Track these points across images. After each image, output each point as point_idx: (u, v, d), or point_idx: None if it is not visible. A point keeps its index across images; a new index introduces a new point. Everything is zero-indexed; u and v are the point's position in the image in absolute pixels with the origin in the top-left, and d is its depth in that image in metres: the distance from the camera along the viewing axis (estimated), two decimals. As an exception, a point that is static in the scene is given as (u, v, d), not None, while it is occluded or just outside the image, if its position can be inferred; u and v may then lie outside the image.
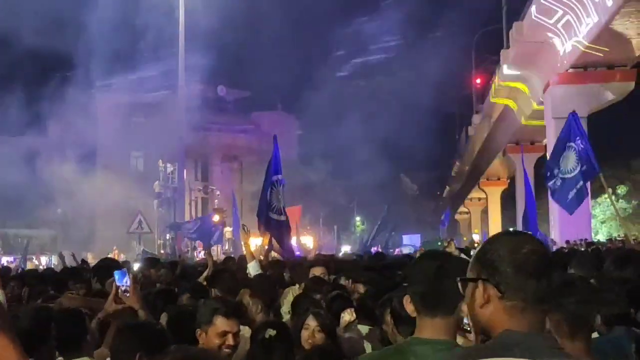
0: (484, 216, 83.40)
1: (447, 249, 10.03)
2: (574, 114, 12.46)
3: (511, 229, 21.32)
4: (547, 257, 2.33)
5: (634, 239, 24.06)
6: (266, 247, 12.53)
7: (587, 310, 3.38)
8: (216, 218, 35.09)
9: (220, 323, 4.50)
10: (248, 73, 47.45)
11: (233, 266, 11.39)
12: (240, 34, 46.11)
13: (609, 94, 38.01)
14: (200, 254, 31.49)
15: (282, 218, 12.73)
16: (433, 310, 3.03)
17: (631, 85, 37.66)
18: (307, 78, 41.05)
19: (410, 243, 38.85)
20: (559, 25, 35.89)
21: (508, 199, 65.54)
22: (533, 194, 16.29)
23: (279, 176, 13.06)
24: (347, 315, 6.01)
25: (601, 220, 49.67)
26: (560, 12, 34.62)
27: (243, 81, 55.31)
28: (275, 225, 12.63)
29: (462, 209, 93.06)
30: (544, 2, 34.64)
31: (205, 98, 53.74)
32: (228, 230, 36.14)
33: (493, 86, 48.27)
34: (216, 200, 51.65)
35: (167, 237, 38.91)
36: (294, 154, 72.37)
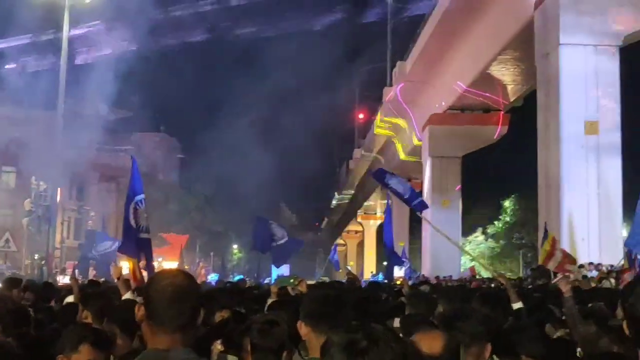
0: (359, 249, 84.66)
1: (299, 287, 10.09)
2: None
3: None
4: (183, 290, 2.72)
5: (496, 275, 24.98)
6: (138, 270, 12.34)
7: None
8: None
9: (86, 352, 4.34)
10: (132, 93, 46.54)
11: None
12: (126, 52, 45.24)
13: (484, 136, 39.53)
14: (65, 278, 30.42)
15: (149, 236, 12.75)
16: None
17: (504, 128, 39.35)
18: (192, 102, 40.76)
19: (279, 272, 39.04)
20: (440, 68, 37.17)
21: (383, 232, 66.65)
22: (391, 228, 16.57)
23: (142, 196, 13.04)
24: (218, 346, 5.97)
25: (470, 258, 51.29)
26: (441, 56, 35.83)
27: (126, 101, 54.27)
28: (147, 244, 12.65)
29: (339, 240, 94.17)
30: (424, 48, 35.82)
31: (86, 116, 52.36)
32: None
33: (376, 121, 49.34)
34: (90, 222, 50.21)
35: (36, 257, 37.49)
36: (175, 177, 71.45)
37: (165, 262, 29.83)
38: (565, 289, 6.39)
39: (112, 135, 57.57)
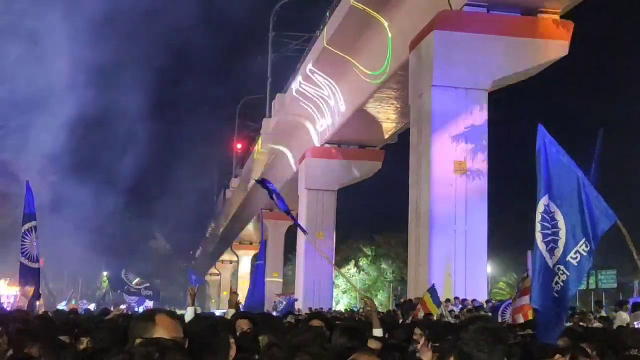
0: (233, 278, 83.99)
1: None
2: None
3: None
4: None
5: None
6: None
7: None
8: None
9: None
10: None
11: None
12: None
13: (359, 171, 40.27)
14: None
15: (35, 265, 12.44)
16: None
17: (379, 164, 40.27)
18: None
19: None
20: (318, 103, 37.74)
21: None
22: (263, 262, 16.44)
23: (31, 223, 12.78)
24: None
25: (343, 290, 51.92)
26: (320, 91, 36.41)
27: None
28: (26, 272, 12.45)
29: (212, 270, 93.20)
30: (303, 82, 36.31)
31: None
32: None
33: (257, 147, 49.36)
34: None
35: None
36: (46, 200, 68.85)
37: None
38: (427, 358, 5.98)
39: None
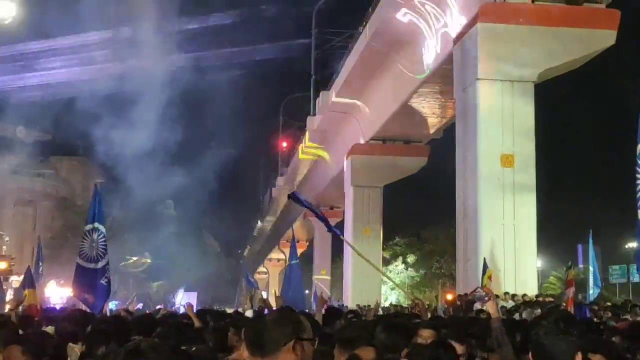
0: (281, 277, 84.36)
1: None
2: None
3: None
4: None
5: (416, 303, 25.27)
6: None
7: None
8: (2, 265, 33.12)
9: None
10: (51, 115, 45.48)
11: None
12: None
13: (404, 167, 40.13)
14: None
15: (90, 266, 12.72)
16: None
17: (424, 160, 40.07)
18: (112, 126, 40.06)
19: (187, 300, 38.66)
20: (362, 99, 37.69)
21: (306, 260, 66.78)
22: (297, 260, 16.43)
23: (94, 224, 13.20)
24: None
25: (391, 287, 51.75)
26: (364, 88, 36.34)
27: (45, 123, 53.10)
28: (80, 272, 12.75)
29: (261, 268, 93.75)
30: (350, 75, 36.28)
31: (1, 138, 51.14)
32: (15, 279, 34.14)
33: (301, 146, 49.55)
34: (4, 247, 48.79)
35: None
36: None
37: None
38: (493, 310, 6.49)
39: (29, 157, 56.18)
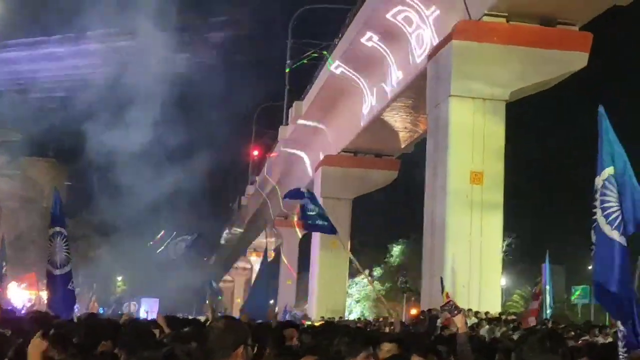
0: (247, 286, 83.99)
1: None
2: None
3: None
4: None
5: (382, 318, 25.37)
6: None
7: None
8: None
9: None
10: (21, 116, 44.81)
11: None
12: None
13: (374, 180, 40.17)
14: None
15: (57, 272, 12.54)
16: None
17: (395, 174, 40.15)
18: (85, 128, 39.57)
19: (147, 308, 38.35)
20: (334, 112, 37.72)
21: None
22: (265, 268, 16.39)
23: (55, 228, 13.01)
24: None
25: (356, 300, 51.78)
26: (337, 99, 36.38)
27: (15, 124, 52.35)
28: (50, 280, 12.66)
29: (226, 277, 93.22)
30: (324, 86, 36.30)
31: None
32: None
33: (271, 158, 49.46)
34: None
35: None
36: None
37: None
38: (461, 324, 6.46)
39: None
